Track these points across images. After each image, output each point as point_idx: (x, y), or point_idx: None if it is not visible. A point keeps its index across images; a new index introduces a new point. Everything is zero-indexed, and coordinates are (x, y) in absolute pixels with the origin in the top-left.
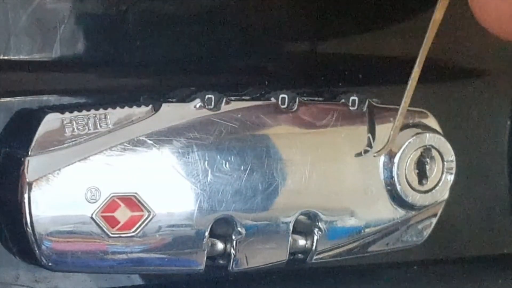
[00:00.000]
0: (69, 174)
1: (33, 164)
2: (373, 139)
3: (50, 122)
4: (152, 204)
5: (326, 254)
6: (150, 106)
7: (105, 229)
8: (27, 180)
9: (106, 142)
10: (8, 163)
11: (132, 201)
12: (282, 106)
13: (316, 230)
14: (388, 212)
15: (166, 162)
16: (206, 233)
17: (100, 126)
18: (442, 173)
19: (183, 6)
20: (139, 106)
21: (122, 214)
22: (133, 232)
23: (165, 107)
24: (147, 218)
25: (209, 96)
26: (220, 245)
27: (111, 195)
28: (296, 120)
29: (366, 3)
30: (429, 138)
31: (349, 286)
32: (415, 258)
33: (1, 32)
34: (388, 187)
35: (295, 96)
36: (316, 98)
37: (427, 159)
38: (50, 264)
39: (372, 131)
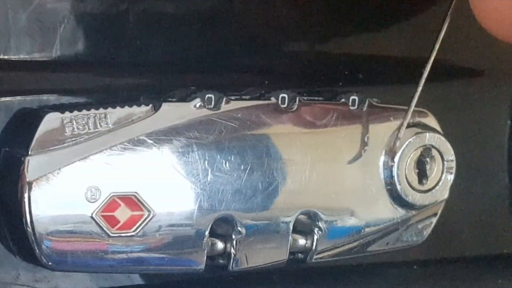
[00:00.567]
0: (69, 174)
1: (33, 164)
2: (373, 138)
3: (50, 121)
4: (152, 204)
5: (326, 253)
6: (150, 105)
7: (105, 229)
8: (27, 179)
9: (106, 141)
10: (8, 162)
11: (132, 201)
12: (282, 106)
13: (316, 230)
14: (388, 211)
15: (166, 161)
16: (206, 233)
17: (100, 126)
18: (442, 173)
19: (183, 6)
20: (139, 105)
21: (122, 213)
22: (133, 231)
23: (165, 106)
24: (147, 217)
25: (209, 95)
26: (220, 245)
27: (111, 194)
28: (296, 120)
29: (366, 3)
30: (429, 138)
31: (349, 286)
32: (415, 258)
33: (1, 32)
34: (388, 187)
35: (295, 96)
36: (316, 98)
37: (427, 159)
38: (50, 263)
39: (372, 130)
